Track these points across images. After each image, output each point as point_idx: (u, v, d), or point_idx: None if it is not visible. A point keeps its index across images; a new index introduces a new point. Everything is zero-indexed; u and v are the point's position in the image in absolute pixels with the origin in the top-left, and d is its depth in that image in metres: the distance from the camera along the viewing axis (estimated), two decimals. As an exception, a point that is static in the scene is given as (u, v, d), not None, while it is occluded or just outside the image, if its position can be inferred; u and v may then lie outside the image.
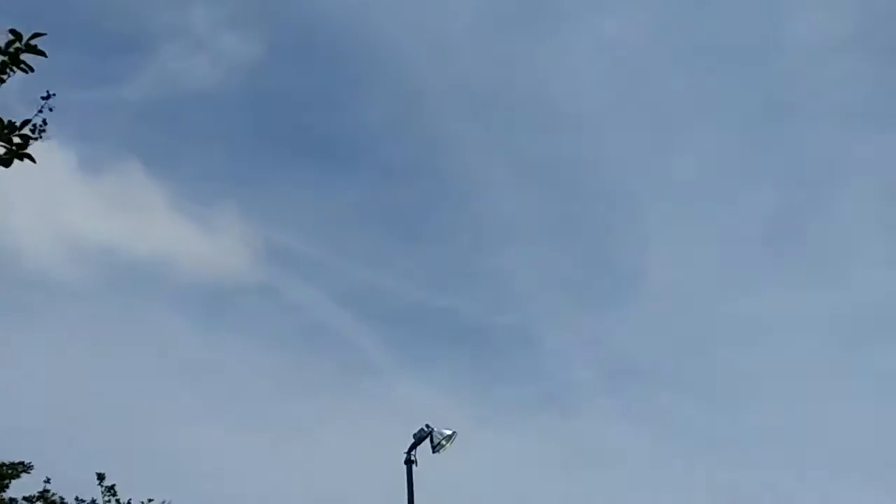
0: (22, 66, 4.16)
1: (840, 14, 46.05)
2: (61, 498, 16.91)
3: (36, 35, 4.14)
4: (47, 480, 16.84)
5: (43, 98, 4.32)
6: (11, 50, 4.11)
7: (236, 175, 48.88)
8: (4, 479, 16.04)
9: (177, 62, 44.60)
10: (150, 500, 17.39)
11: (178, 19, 49.58)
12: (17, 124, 4.19)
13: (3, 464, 16.24)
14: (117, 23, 48.16)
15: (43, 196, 38.20)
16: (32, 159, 4.25)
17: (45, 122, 4.30)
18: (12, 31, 4.08)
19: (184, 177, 46.96)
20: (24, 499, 16.24)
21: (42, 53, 4.16)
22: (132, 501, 17.12)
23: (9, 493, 16.09)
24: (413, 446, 16.71)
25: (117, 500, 16.86)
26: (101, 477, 16.96)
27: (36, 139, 4.27)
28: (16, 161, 4.24)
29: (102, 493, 16.79)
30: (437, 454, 16.77)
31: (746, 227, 47.89)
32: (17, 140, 4.18)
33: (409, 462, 16.64)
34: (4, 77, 4.16)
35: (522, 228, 49.45)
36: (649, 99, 53.02)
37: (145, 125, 48.85)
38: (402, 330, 44.24)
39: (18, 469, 16.24)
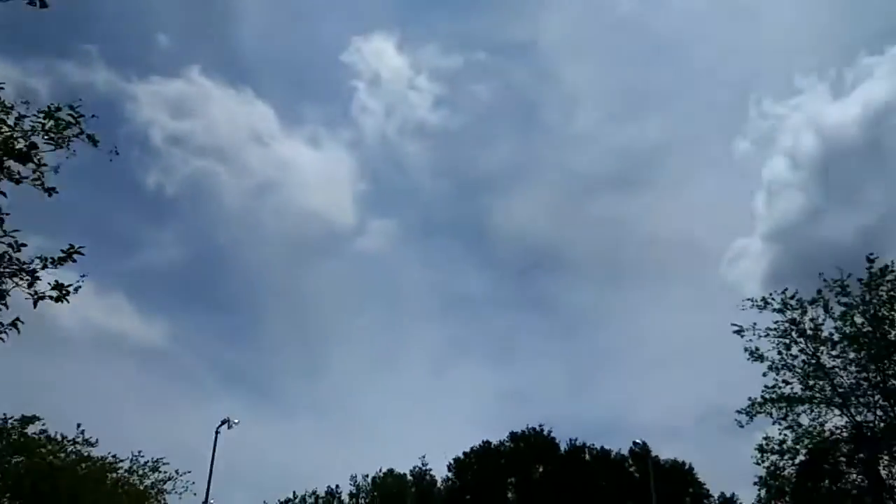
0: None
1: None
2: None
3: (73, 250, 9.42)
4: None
5: (81, 276, 9.41)
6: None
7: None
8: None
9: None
10: (162, 463, 39.20)
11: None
12: (66, 285, 9.18)
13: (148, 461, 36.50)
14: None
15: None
16: (67, 300, 9.14)
17: (78, 288, 9.17)
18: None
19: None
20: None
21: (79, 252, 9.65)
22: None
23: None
24: (219, 427, 39.47)
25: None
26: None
27: (76, 291, 9.32)
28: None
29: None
30: (230, 430, 42.18)
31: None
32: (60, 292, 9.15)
33: (216, 434, 39.23)
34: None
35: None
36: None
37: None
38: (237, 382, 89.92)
39: (157, 463, 36.44)
